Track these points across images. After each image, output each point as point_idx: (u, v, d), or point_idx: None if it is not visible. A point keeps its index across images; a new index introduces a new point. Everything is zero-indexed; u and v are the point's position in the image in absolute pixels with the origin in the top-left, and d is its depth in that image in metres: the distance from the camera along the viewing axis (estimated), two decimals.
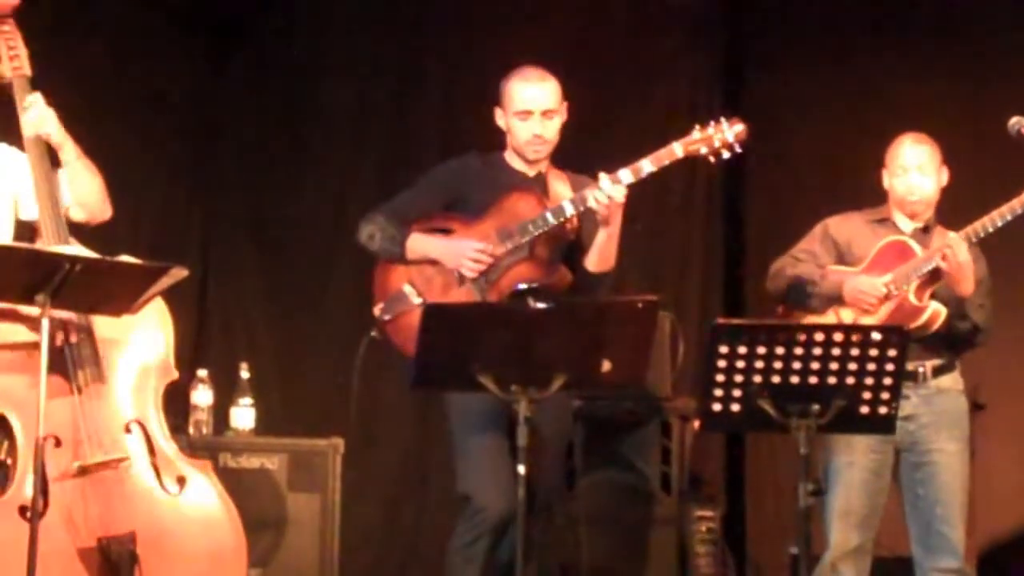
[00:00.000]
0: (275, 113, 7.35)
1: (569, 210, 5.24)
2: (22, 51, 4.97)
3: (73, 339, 4.75)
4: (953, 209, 5.56)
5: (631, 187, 5.20)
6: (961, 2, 6.99)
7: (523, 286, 5.21)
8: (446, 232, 5.35)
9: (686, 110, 7.08)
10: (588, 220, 5.29)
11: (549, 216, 5.24)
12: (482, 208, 5.33)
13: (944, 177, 5.53)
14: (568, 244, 5.35)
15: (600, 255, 5.31)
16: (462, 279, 5.26)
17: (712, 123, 5.30)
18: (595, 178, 5.21)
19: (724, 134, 5.28)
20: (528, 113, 5.34)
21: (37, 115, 4.90)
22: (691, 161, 7.03)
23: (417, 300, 5.26)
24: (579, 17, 7.23)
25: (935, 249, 5.38)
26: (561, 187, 5.39)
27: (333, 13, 7.37)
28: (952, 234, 5.34)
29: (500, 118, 5.42)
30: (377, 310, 5.31)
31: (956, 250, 5.27)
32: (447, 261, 5.28)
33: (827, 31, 7.16)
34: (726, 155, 5.31)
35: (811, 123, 7.16)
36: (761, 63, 7.31)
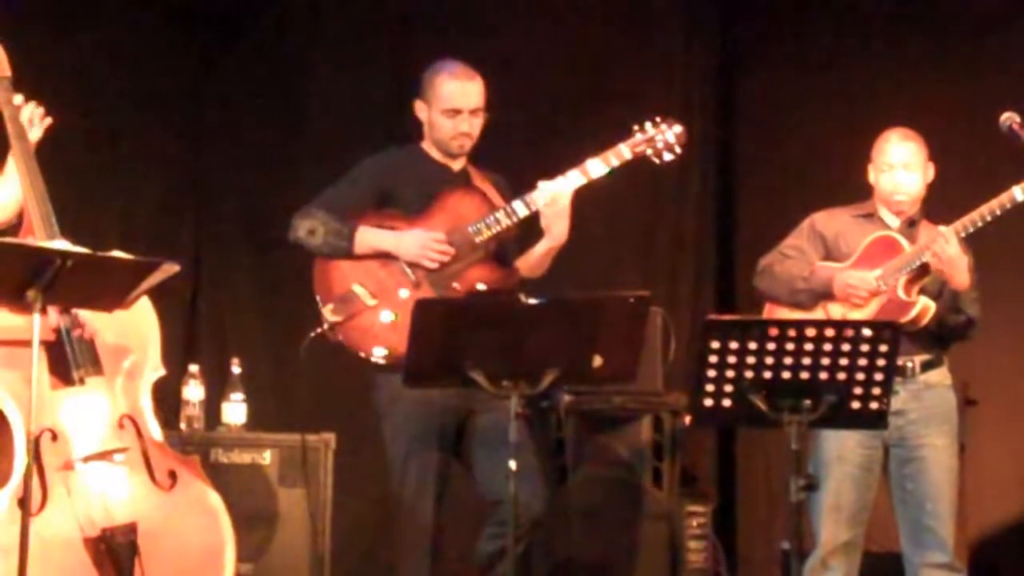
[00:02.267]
0: (268, 111, 7.35)
1: (521, 210, 5.25)
2: (2, 55, 4.96)
3: (79, 332, 4.76)
4: (944, 204, 5.56)
5: (582, 188, 5.25)
6: None
7: (483, 286, 5.22)
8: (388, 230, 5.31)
9: (679, 108, 7.09)
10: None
11: (501, 216, 5.25)
12: (419, 205, 5.30)
13: (930, 173, 5.53)
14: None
15: (535, 263, 5.35)
16: (418, 282, 5.22)
17: (651, 124, 5.37)
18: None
19: (665, 135, 5.36)
20: (457, 111, 5.32)
21: (32, 112, 4.91)
22: (682, 156, 7.04)
23: (372, 301, 5.19)
24: (573, 15, 7.23)
25: (922, 244, 5.38)
26: (484, 185, 5.39)
27: (326, 12, 7.37)
28: (943, 228, 5.34)
29: (421, 111, 5.39)
30: (326, 311, 5.22)
31: (946, 244, 5.28)
32: (403, 253, 5.22)
33: (819, 29, 7.17)
34: (669, 157, 5.39)
35: (803, 120, 7.16)
36: (753, 61, 7.32)
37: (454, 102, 5.31)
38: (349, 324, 5.21)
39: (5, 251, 4.54)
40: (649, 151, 5.35)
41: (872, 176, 5.56)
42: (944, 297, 5.41)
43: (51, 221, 4.84)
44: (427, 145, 5.41)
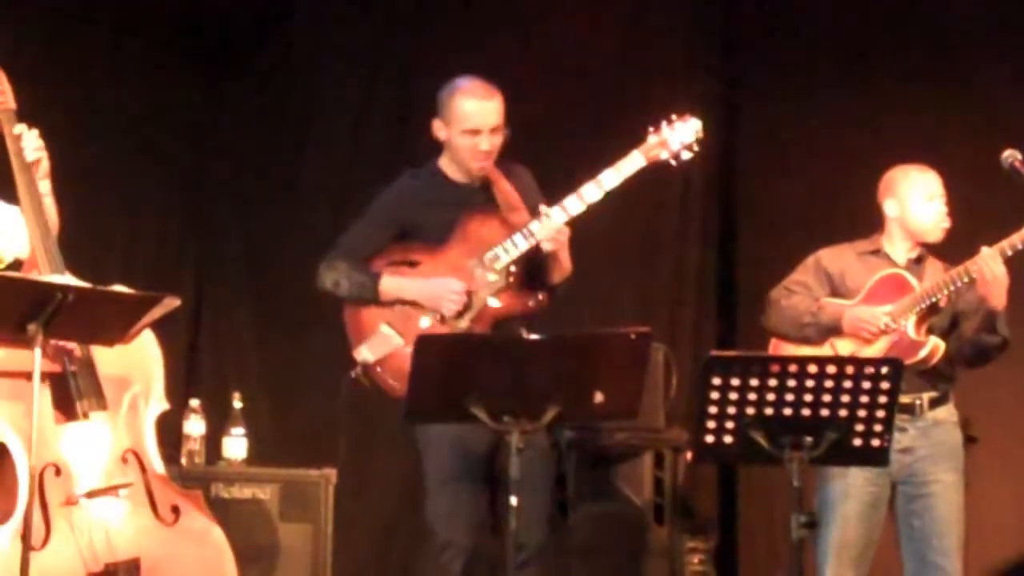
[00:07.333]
0: (272, 145, 7.36)
1: (539, 231, 5.21)
2: (7, 87, 4.97)
3: (74, 367, 4.74)
4: (946, 241, 5.55)
5: (598, 204, 5.20)
6: (956, 33, 7.00)
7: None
8: (412, 264, 5.29)
9: None
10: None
11: (520, 240, 5.21)
12: (440, 232, 5.27)
13: None
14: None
15: (557, 270, 5.30)
16: (443, 317, 5.22)
17: (665, 124, 5.26)
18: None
19: (679, 134, 5.25)
20: (478, 132, 5.24)
21: (35, 141, 4.91)
22: (684, 192, 6.99)
23: (398, 341, 5.20)
24: (574, 34, 7.22)
25: (933, 283, 5.37)
26: (504, 186, 5.33)
27: (331, 46, 7.38)
28: (985, 248, 5.29)
29: (440, 130, 5.31)
30: (357, 354, 5.23)
31: (991, 264, 5.25)
32: (426, 302, 5.22)
33: (822, 64, 7.16)
34: (687, 156, 5.26)
35: (805, 153, 7.15)
36: (754, 95, 7.32)
37: (474, 122, 5.24)
38: (384, 365, 5.20)
39: (5, 285, 4.53)
40: (665, 154, 5.24)
41: (895, 211, 5.52)
42: (979, 318, 5.37)
43: (55, 255, 4.83)
44: (445, 163, 5.36)
